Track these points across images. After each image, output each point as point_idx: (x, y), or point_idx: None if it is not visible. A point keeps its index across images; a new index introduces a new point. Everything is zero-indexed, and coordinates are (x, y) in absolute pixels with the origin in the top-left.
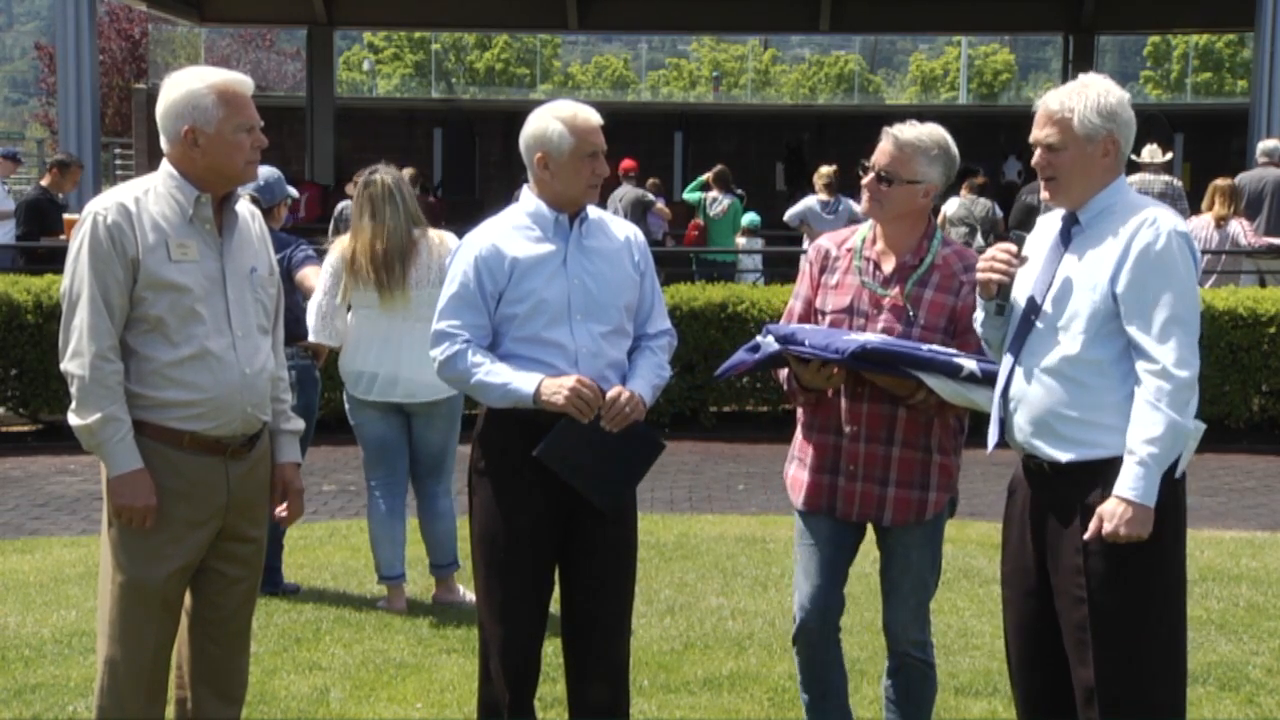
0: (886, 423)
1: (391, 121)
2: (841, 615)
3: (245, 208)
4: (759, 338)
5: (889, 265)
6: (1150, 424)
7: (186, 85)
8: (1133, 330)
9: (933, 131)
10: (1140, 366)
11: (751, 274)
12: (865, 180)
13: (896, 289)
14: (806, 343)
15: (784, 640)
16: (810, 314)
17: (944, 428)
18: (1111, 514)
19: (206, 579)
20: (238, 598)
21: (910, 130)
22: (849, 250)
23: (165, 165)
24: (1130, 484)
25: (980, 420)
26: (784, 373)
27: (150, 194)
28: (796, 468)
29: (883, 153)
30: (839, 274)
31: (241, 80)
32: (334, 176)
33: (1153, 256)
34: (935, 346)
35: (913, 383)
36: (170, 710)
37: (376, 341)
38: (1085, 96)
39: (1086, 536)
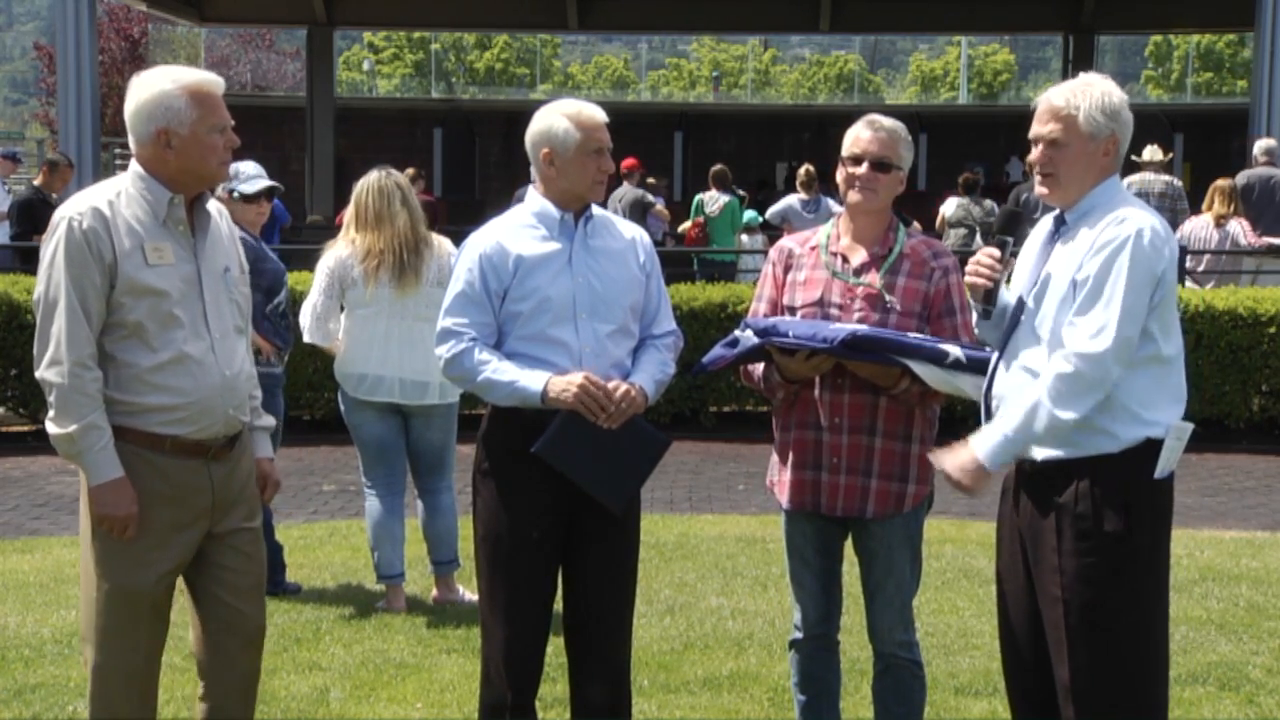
0: (869, 413)
1: (391, 121)
2: (840, 618)
3: (214, 206)
4: (736, 332)
5: (858, 258)
6: (1027, 401)
7: (157, 86)
8: (1070, 314)
9: (897, 121)
10: (1058, 349)
11: (752, 274)
12: (860, 171)
13: (869, 278)
14: (790, 333)
15: (784, 640)
16: (776, 315)
17: (923, 420)
18: (955, 457)
19: (210, 578)
20: (248, 581)
21: (886, 119)
22: (814, 248)
23: (134, 166)
24: (984, 441)
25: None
26: (758, 369)
27: (122, 196)
28: (779, 469)
29: (875, 141)
30: (806, 270)
31: (213, 80)
32: (334, 176)
33: (1110, 250)
34: (916, 334)
35: (897, 372)
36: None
37: (376, 343)
38: (1090, 95)
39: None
